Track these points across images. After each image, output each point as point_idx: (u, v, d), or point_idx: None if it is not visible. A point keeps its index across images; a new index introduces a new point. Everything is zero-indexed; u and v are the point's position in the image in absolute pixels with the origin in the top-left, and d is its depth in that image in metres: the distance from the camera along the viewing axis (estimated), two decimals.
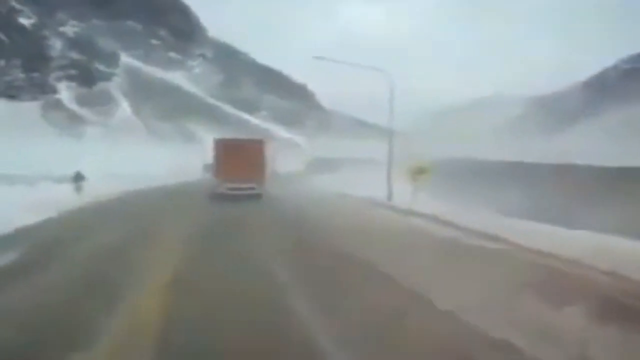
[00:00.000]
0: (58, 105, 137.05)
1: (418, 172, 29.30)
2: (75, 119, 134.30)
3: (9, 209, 21.22)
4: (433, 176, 29.08)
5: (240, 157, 35.35)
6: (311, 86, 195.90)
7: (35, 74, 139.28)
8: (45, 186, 38.41)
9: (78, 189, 36.87)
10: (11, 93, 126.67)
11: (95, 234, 16.68)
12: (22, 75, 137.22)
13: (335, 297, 9.26)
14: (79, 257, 12.62)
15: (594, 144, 65.12)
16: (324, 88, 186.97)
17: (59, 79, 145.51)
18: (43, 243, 15.16)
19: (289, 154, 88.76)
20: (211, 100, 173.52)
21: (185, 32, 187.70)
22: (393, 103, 35.18)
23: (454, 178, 32.76)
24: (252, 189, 35.20)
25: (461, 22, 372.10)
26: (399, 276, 10.56)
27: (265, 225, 20.04)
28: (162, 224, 19.49)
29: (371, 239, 16.17)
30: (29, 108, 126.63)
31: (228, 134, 68.59)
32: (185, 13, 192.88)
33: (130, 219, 21.84)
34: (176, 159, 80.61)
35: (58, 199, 26.63)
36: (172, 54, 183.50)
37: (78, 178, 38.28)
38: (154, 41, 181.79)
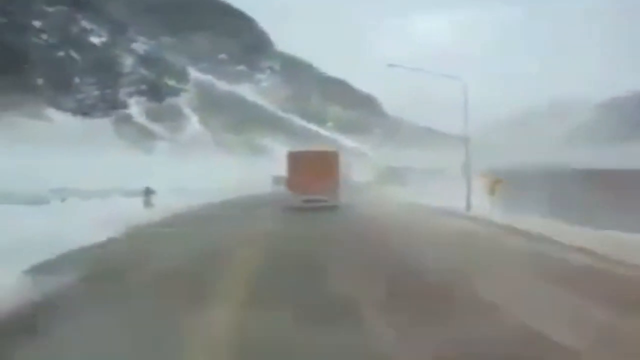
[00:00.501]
0: (129, 120, 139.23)
1: (496, 182, 28.58)
2: (145, 134, 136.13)
3: (82, 224, 21.45)
4: (510, 186, 28.15)
5: (314, 169, 34.94)
6: (379, 95, 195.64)
7: (107, 91, 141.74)
8: (117, 201, 38.95)
9: (147, 204, 37.22)
10: (84, 110, 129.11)
11: (162, 255, 15.67)
12: (94, 93, 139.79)
13: (430, 333, 8.17)
14: (141, 287, 11.59)
15: None
16: (392, 98, 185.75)
17: (130, 95, 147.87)
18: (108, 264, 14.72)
19: (358, 164, 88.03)
20: (279, 113, 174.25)
21: (252, 46, 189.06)
22: (467, 111, 34.46)
23: (533, 188, 30.91)
24: (326, 200, 34.84)
25: (532, 29, 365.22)
26: (506, 306, 9.18)
27: (342, 240, 18.87)
28: (234, 241, 18.51)
29: (459, 255, 14.86)
30: (101, 124, 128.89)
31: (296, 145, 68.44)
32: (253, 27, 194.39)
33: (198, 236, 20.94)
34: (245, 172, 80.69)
35: (128, 214, 26.57)
36: (240, 68, 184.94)
37: (148, 193, 38.81)
38: (222, 55, 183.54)
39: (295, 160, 36.40)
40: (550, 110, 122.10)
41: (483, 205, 29.39)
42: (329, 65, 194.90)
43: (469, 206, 32.22)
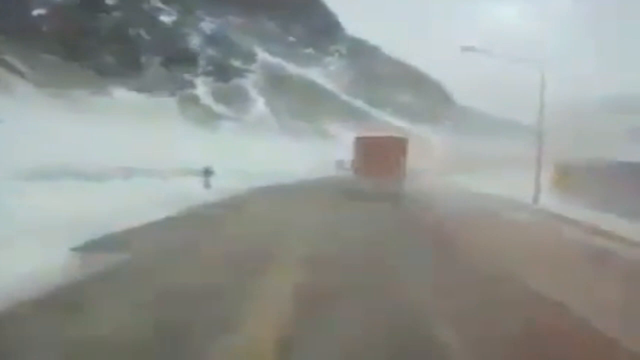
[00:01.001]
0: (194, 100, 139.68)
1: (565, 174, 28.39)
2: (210, 114, 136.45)
3: (141, 203, 22.43)
4: (579, 179, 27.90)
5: (381, 155, 35.24)
6: (449, 82, 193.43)
7: (174, 70, 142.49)
8: (179, 180, 39.66)
9: (207, 185, 38.00)
10: (151, 88, 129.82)
11: (207, 240, 15.75)
12: (161, 71, 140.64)
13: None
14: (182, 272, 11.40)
15: None
16: (463, 85, 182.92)
17: (196, 75, 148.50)
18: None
19: (423, 152, 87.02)
20: (345, 97, 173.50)
21: (321, 29, 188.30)
22: (543, 98, 33.87)
23: (603, 182, 29.68)
24: (391, 186, 34.99)
25: (600, 21, 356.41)
26: (596, 319, 7.86)
27: (402, 237, 18.22)
28: (289, 229, 18.56)
29: (529, 254, 13.80)
30: (167, 103, 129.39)
31: (361, 131, 67.57)
32: (322, 9, 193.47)
33: (255, 222, 21.10)
34: (309, 156, 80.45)
35: (187, 194, 27.27)
36: (308, 51, 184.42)
37: (207, 173, 39.33)
38: (290, 38, 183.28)
39: (364, 145, 36.66)
40: (617, 104, 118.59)
41: (550, 198, 29.70)
42: (399, 50, 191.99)
43: (536, 198, 32.49)
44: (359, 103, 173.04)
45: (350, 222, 19.96)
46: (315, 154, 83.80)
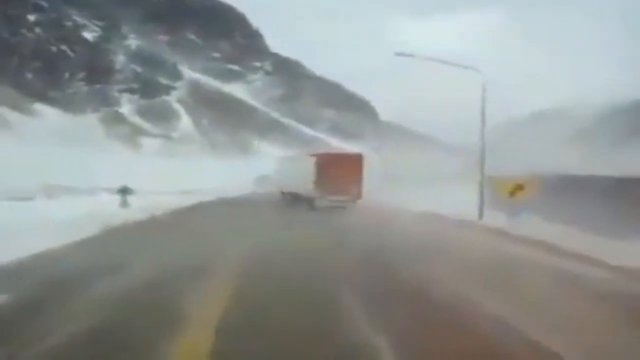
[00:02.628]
0: (119, 117, 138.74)
1: (517, 188, 26.48)
2: (135, 131, 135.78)
3: (49, 224, 21.01)
4: (531, 193, 26.28)
5: (340, 172, 36.35)
6: (371, 98, 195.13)
7: (98, 87, 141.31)
8: (93, 199, 37.90)
9: (124, 204, 34.64)
10: (74, 105, 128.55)
11: (121, 272, 13.04)
12: (85, 88, 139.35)
13: None
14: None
15: None
16: (388, 102, 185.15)
17: (121, 92, 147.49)
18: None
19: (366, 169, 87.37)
20: (271, 113, 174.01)
21: (246, 46, 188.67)
22: (485, 108, 31.67)
23: (547, 195, 29.08)
24: (347, 202, 36.70)
25: (529, 37, 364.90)
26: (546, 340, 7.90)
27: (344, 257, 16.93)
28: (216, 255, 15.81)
29: (479, 273, 13.36)
30: (91, 120, 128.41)
31: (287, 147, 68.40)
32: (246, 27, 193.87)
33: (163, 250, 17.62)
34: (234, 171, 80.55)
35: (103, 214, 25.22)
36: (234, 67, 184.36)
37: (125, 192, 36.10)
38: (215, 54, 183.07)
39: (323, 162, 37.38)
40: (554, 114, 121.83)
41: (493, 213, 28.30)
42: (324, 66, 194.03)
43: (481, 214, 29.86)
44: (284, 119, 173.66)
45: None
46: (240, 170, 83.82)
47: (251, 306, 9.95)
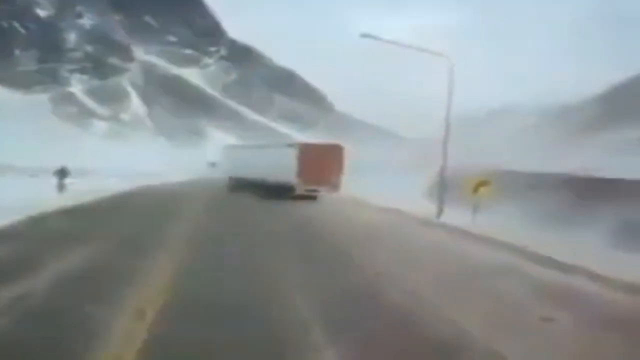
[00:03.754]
0: (69, 98, 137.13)
1: (481, 184, 24.85)
2: (85, 113, 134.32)
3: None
4: (499, 189, 25.25)
5: (322, 163, 37.03)
6: (326, 88, 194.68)
7: (49, 65, 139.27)
8: (33, 181, 35.67)
9: (61, 187, 32.19)
10: (23, 84, 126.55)
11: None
12: (35, 66, 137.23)
13: None
14: None
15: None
16: (343, 92, 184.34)
17: (72, 72, 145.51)
18: None
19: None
20: (223, 99, 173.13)
21: (202, 30, 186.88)
22: (451, 96, 30.06)
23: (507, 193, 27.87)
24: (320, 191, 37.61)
25: (481, 36, 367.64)
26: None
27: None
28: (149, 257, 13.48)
29: (440, 277, 12.27)
30: (40, 99, 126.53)
31: (239, 133, 68.20)
32: (203, 10, 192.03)
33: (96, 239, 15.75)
34: (183, 156, 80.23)
35: (32, 199, 24.16)
36: (188, 51, 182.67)
37: (62, 174, 33.45)
38: (171, 38, 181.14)
39: (307, 152, 37.81)
40: (500, 113, 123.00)
41: (451, 211, 26.90)
42: (280, 54, 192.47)
43: (440, 212, 27.77)
44: (236, 105, 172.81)
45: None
46: (190, 155, 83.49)
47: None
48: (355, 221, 26.14)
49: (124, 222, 21.00)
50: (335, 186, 38.59)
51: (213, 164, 55.70)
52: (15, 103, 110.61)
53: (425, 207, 29.77)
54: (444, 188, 28.35)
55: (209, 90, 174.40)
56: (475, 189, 24.83)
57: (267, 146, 51.62)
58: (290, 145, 41.84)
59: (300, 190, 37.54)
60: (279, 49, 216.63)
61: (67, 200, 26.11)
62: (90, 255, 13.16)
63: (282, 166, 39.29)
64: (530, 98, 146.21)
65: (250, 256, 14.53)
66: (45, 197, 25.99)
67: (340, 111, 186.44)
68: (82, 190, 30.90)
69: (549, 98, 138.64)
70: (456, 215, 25.69)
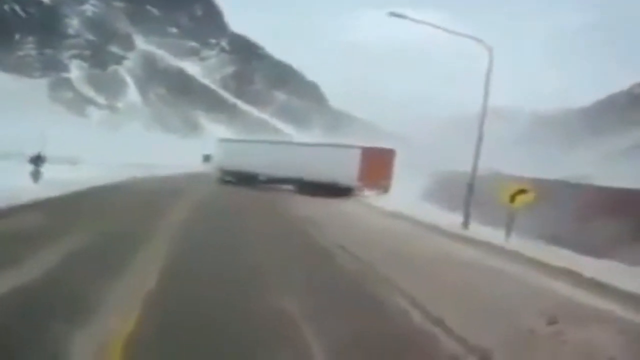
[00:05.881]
0: (67, 84, 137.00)
1: (516, 194, 20.50)
2: (82, 100, 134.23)
3: None
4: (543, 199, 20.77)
5: (379, 166, 38.19)
6: (323, 85, 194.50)
7: (48, 51, 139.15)
8: (19, 167, 31.97)
9: (36, 176, 27.94)
10: (22, 68, 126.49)
11: None
12: (34, 52, 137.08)
13: None
14: None
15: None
16: (338, 87, 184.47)
17: (72, 58, 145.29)
18: None
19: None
20: (222, 92, 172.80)
21: (204, 22, 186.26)
22: (488, 87, 25.27)
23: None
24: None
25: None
26: None
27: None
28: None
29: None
30: (38, 85, 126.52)
31: (235, 127, 68.32)
32: (207, 3, 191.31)
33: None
34: (177, 148, 79.95)
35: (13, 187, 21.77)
36: (189, 42, 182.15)
37: (37, 161, 28.67)
38: (172, 29, 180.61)
39: (368, 155, 38.78)
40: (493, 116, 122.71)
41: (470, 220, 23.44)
42: (279, 48, 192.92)
43: (467, 222, 23.72)
44: (234, 99, 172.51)
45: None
46: (185, 147, 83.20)
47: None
48: (369, 232, 21.86)
49: (88, 230, 15.71)
50: (386, 189, 39.60)
51: (208, 157, 55.10)
52: (12, 88, 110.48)
53: (430, 211, 27.94)
54: (471, 194, 24.20)
55: (207, 82, 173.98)
56: (512, 198, 20.85)
57: (316, 145, 52.39)
58: (350, 147, 42.10)
59: (357, 191, 38.72)
60: (280, 44, 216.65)
61: (38, 192, 23.13)
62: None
63: (338, 167, 39.81)
64: (520, 103, 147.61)
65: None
66: (12, 186, 22.21)
67: (336, 108, 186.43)
68: (62, 180, 27.61)
69: (534, 105, 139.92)
70: (484, 228, 22.64)
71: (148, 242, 14.45)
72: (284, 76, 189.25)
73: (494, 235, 20.40)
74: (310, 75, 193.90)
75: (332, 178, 40.15)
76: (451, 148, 58.64)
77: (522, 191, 20.85)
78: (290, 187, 43.36)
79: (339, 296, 10.56)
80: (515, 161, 51.52)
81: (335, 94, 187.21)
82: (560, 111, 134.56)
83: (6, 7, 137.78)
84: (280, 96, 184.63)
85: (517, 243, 18.85)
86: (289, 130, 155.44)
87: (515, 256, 16.62)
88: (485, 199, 23.43)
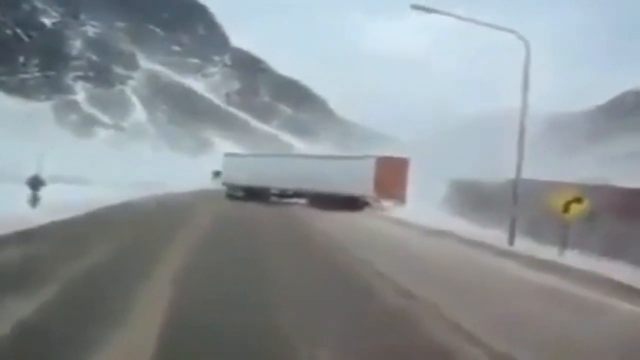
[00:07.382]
0: (72, 106, 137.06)
1: (570, 203, 18.07)
2: (88, 121, 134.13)
3: None
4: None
5: (395, 175, 37.57)
6: (328, 96, 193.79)
7: (52, 73, 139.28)
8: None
9: (33, 201, 25.76)
10: (27, 91, 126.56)
11: None
12: (38, 74, 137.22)
13: None
14: None
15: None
16: (343, 97, 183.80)
17: (76, 80, 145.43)
18: None
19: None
20: (227, 108, 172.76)
21: (207, 39, 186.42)
22: (527, 84, 22.93)
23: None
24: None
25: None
26: None
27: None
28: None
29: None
30: (43, 108, 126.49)
31: (243, 142, 67.65)
32: (208, 19, 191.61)
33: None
34: (187, 165, 79.40)
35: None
36: (193, 60, 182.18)
37: (34, 184, 26.43)
38: (174, 47, 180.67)
39: (382, 165, 38.24)
40: (496, 118, 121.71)
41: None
42: (282, 62, 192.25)
43: (512, 238, 20.79)
44: (240, 114, 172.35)
45: None
46: (194, 164, 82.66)
47: None
48: (403, 251, 19.19)
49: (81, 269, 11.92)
50: (402, 199, 38.61)
51: (218, 174, 54.26)
52: (18, 110, 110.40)
53: (459, 224, 25.45)
54: (516, 203, 21.21)
55: (213, 98, 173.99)
56: (566, 208, 18.39)
57: (329, 157, 51.19)
58: (364, 157, 41.82)
59: (374, 202, 38.29)
60: (283, 58, 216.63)
61: (32, 218, 19.97)
62: None
63: (352, 178, 39.06)
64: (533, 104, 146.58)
65: None
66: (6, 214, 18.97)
67: (342, 118, 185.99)
68: (62, 203, 25.40)
69: (550, 107, 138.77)
70: (531, 243, 19.95)
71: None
72: (288, 89, 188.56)
73: (547, 251, 18.04)
74: (315, 86, 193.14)
75: (346, 190, 39.33)
76: (465, 155, 57.99)
77: (577, 199, 18.46)
78: (302, 200, 42.60)
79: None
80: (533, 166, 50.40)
81: (340, 104, 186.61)
82: (571, 113, 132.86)
83: (9, 31, 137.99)
84: (286, 110, 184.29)
85: (580, 260, 16.49)
86: (298, 144, 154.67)
87: (591, 278, 13.94)
88: (524, 209, 20.87)
